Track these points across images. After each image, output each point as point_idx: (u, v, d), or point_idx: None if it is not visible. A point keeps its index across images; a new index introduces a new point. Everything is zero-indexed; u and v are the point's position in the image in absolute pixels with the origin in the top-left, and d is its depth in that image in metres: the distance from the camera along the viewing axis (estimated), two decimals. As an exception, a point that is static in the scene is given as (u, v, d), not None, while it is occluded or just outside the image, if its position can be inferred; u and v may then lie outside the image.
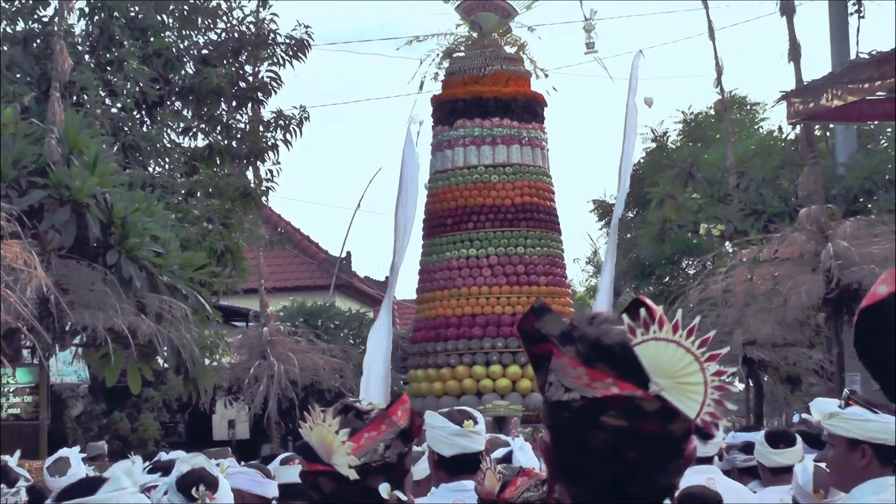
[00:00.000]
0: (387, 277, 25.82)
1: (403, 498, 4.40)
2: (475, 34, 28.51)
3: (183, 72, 27.23)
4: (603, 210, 42.63)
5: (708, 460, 9.93)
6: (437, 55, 29.02)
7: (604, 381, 2.67)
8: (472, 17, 28.49)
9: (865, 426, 7.39)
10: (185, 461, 7.46)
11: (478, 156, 28.03)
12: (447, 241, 27.94)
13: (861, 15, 28.68)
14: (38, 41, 24.47)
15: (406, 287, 38.08)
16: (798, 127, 24.38)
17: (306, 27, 28.34)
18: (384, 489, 4.29)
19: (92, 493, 5.66)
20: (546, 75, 29.41)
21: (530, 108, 28.82)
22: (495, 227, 27.50)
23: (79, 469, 10.61)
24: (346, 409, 4.43)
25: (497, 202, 27.80)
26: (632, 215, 37.47)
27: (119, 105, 26.49)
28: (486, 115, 28.17)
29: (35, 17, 25.53)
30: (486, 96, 28.13)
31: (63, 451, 10.89)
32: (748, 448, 11.47)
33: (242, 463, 10.31)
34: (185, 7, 27.07)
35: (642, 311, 2.82)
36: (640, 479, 2.75)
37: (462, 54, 28.52)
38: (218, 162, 27.42)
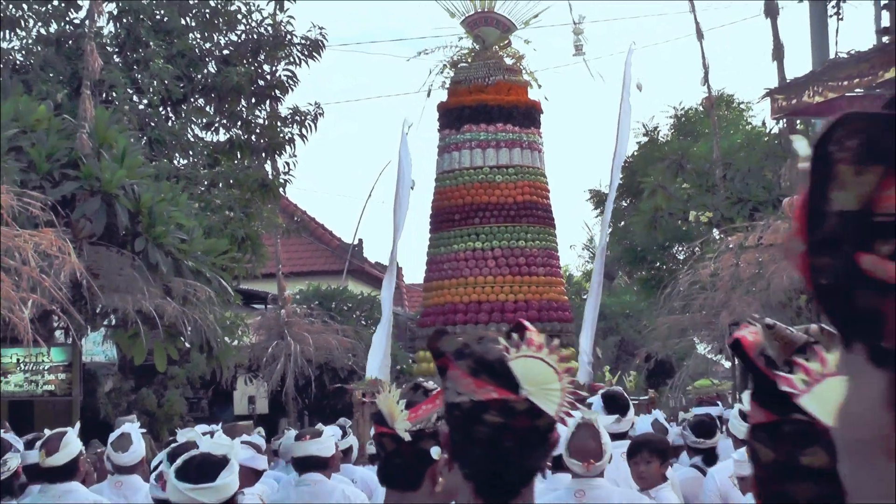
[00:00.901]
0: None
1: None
2: (478, 47, 28.81)
3: (205, 71, 27.26)
4: (598, 199, 42.66)
5: (622, 436, 10.77)
6: (444, 65, 29.29)
7: (486, 388, 3.31)
8: (475, 31, 28.86)
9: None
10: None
11: (483, 158, 28.35)
12: (455, 235, 28.18)
13: (840, 17, 28.65)
14: (70, 42, 24.48)
15: (412, 273, 38.05)
16: (782, 122, 24.35)
17: (320, 29, 28.47)
18: (435, 451, 4.65)
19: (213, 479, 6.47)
20: (540, 86, 29.82)
21: (529, 115, 29.15)
22: (499, 222, 27.81)
23: (139, 445, 10.67)
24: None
25: (501, 200, 28.14)
26: (625, 204, 37.51)
27: (146, 102, 26.51)
28: (491, 121, 28.42)
29: (67, 19, 25.56)
30: (490, 104, 28.39)
31: (125, 427, 10.89)
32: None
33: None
34: (207, 10, 27.08)
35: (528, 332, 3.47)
36: (514, 462, 3.36)
37: (466, 65, 28.74)
38: (238, 155, 27.48)
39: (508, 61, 29.10)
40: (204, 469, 6.62)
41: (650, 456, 10.17)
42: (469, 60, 29.00)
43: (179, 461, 6.79)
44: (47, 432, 10.14)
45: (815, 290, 2.47)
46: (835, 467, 2.86)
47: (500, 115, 28.45)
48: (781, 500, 3.05)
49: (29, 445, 10.20)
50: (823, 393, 2.71)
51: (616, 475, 10.78)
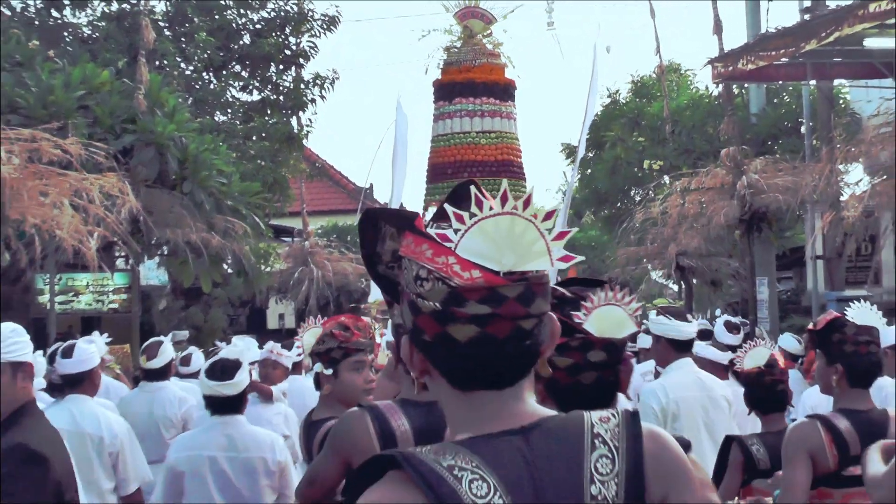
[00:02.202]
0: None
1: None
2: (466, 35, 29.39)
3: (241, 42, 27.23)
4: (569, 151, 42.54)
5: None
6: (439, 49, 29.95)
7: (472, 270, 2.51)
8: (464, 22, 29.51)
9: (659, 327, 8.79)
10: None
11: (470, 125, 29.14)
12: (447, 186, 28.70)
13: (770, -2, 28.75)
14: (128, 18, 24.39)
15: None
16: (720, 86, 24.29)
17: (336, 6, 28.47)
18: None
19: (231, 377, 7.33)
20: (514, 67, 30.70)
21: (507, 91, 29.85)
22: (483, 176, 28.44)
23: (168, 349, 10.76)
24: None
25: (484, 158, 29.01)
26: (591, 155, 37.38)
27: (191, 68, 26.49)
28: (476, 95, 29.08)
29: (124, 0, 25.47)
30: (476, 81, 29.04)
31: (158, 338, 11.03)
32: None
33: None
34: (244, -12, 27.09)
35: (473, 190, 2.59)
36: (516, 353, 2.56)
37: (456, 49, 29.29)
38: (269, 112, 27.47)
39: (490, 47, 29.75)
40: (224, 370, 7.40)
41: None
42: (459, 46, 29.52)
43: (207, 364, 7.59)
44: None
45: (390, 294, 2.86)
46: (608, 362, 3.53)
47: (484, 90, 29.18)
48: (574, 388, 3.50)
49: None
50: (593, 320, 3.49)
51: None
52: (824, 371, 6.02)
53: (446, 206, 2.59)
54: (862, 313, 5.94)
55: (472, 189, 2.64)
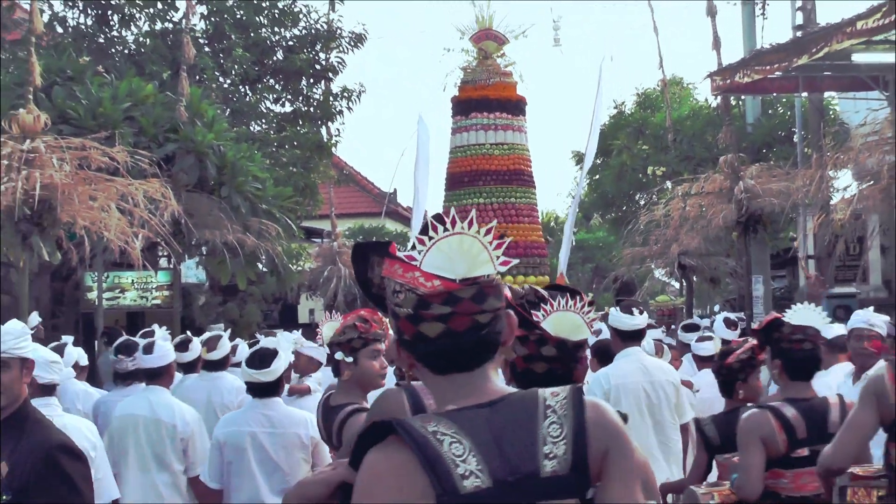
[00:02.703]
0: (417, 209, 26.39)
1: None
2: (482, 56, 29.56)
3: (275, 57, 27.28)
4: (579, 158, 42.58)
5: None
6: (456, 69, 30.21)
7: (433, 280, 3.01)
8: (479, 44, 29.56)
9: (610, 318, 9.54)
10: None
11: (485, 137, 29.12)
12: (464, 193, 28.97)
13: (764, 17, 28.67)
14: (171, 36, 24.50)
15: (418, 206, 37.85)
16: (719, 98, 24.31)
17: (363, 25, 28.74)
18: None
19: (268, 366, 7.76)
20: (525, 83, 30.90)
21: (518, 106, 29.74)
22: (496, 184, 28.78)
23: (226, 343, 11.05)
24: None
25: (497, 168, 28.94)
26: (598, 162, 37.39)
27: (228, 81, 26.56)
28: (490, 111, 29.13)
29: (168, 19, 25.57)
30: (490, 97, 29.09)
31: (218, 332, 11.23)
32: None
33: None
34: (276, 10, 27.08)
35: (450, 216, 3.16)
36: (477, 341, 3.05)
37: (472, 69, 29.57)
38: (300, 123, 27.52)
39: (503, 66, 29.75)
40: (263, 359, 7.81)
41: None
42: (474, 66, 29.58)
43: (247, 354, 7.95)
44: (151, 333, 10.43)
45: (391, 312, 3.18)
46: (558, 357, 3.97)
47: (497, 106, 29.22)
48: (527, 374, 4.04)
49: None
50: (550, 321, 4.05)
51: None
52: (769, 364, 6.52)
53: (412, 234, 3.43)
54: (801, 314, 6.40)
55: (429, 217, 3.19)
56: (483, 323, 3.04)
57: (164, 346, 9.08)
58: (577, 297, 4.11)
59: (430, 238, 3.07)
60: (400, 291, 3.07)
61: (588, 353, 7.53)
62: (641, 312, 9.51)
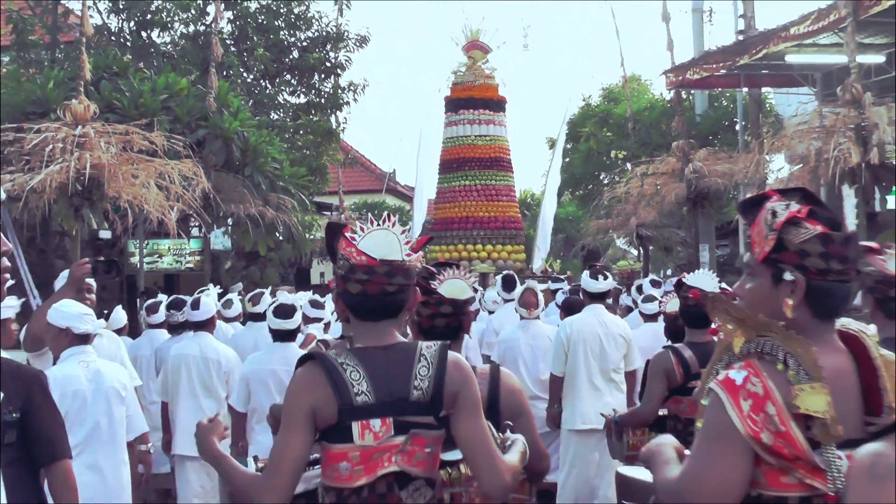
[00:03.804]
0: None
1: None
2: (471, 62, 30.37)
3: (291, 56, 27.24)
4: (552, 143, 42.67)
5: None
6: (451, 73, 31.04)
7: (361, 256, 3.74)
8: (469, 53, 30.46)
9: (582, 281, 10.25)
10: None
11: (471, 130, 29.95)
12: (454, 176, 29.83)
13: (711, 23, 28.92)
14: (202, 38, 24.43)
15: (427, 195, 37.95)
16: (672, 92, 24.30)
17: (367, 28, 28.89)
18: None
19: (290, 317, 8.40)
20: (506, 86, 31.68)
21: (499, 104, 30.54)
22: (480, 169, 29.69)
23: (268, 298, 11.18)
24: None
25: (481, 156, 29.72)
26: (568, 146, 37.50)
27: (251, 77, 26.53)
28: (476, 108, 29.94)
29: (200, 22, 25.49)
30: (476, 97, 29.94)
31: (261, 290, 11.50)
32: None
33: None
34: (292, 15, 27.01)
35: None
36: (383, 303, 3.77)
37: (462, 73, 30.41)
38: (312, 112, 27.46)
39: (487, 71, 30.56)
40: (286, 311, 8.41)
41: (534, 294, 10.88)
42: (464, 70, 30.45)
43: (273, 306, 8.53)
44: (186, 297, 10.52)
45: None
46: (454, 314, 4.68)
47: (482, 104, 30.04)
48: (431, 329, 4.63)
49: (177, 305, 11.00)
50: (444, 287, 4.64)
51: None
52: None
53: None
54: (696, 278, 6.88)
55: (371, 218, 3.96)
56: (390, 291, 3.75)
57: (207, 302, 9.77)
58: (459, 267, 4.79)
59: (361, 230, 3.82)
60: (342, 259, 3.81)
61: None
62: (606, 278, 9.89)
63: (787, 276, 2.85)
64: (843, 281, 2.84)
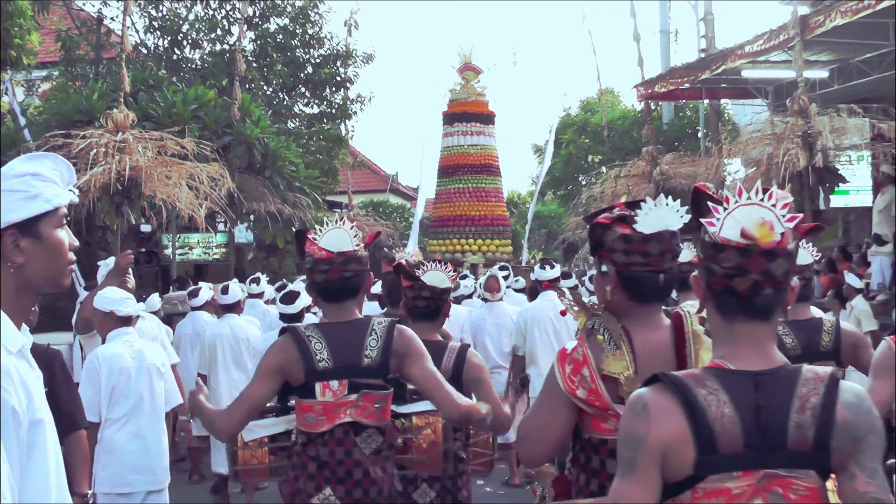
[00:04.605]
0: (416, 189, 26.56)
1: None
2: (465, 82, 30.45)
3: (306, 71, 27.28)
4: (537, 150, 42.81)
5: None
6: (448, 91, 30.99)
7: (322, 251, 4.27)
8: (463, 74, 30.45)
9: (535, 272, 10.59)
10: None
11: (465, 140, 29.98)
12: (450, 180, 29.93)
13: (677, 42, 28.93)
14: (227, 55, 24.51)
15: (427, 195, 38.09)
16: (642, 103, 24.40)
17: (373, 47, 28.91)
18: None
19: (293, 302, 8.51)
20: (496, 102, 31.91)
21: (489, 119, 30.53)
22: (471, 174, 29.71)
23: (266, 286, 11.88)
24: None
25: (473, 163, 29.76)
26: (552, 151, 37.71)
27: (271, 90, 26.58)
28: (469, 122, 30.00)
29: (225, 41, 25.56)
30: (469, 112, 30.02)
31: (286, 283, 11.62)
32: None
33: None
34: (307, 36, 27.06)
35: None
36: (342, 286, 4.28)
37: (457, 90, 30.44)
38: (324, 121, 27.52)
39: (479, 90, 30.53)
40: (290, 297, 8.60)
41: (496, 280, 11.35)
42: (458, 88, 30.46)
43: (280, 294, 8.80)
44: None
45: None
46: (433, 298, 5.17)
47: (474, 118, 30.07)
48: (413, 309, 5.05)
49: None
50: (427, 277, 5.03)
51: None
52: None
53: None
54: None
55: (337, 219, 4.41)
56: (347, 276, 4.24)
57: (235, 289, 10.19)
58: (443, 263, 5.21)
59: (324, 230, 4.31)
60: (308, 255, 4.30)
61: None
62: (553, 267, 10.50)
63: (604, 268, 3.22)
64: (653, 272, 3.16)
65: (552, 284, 10.26)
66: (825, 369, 2.48)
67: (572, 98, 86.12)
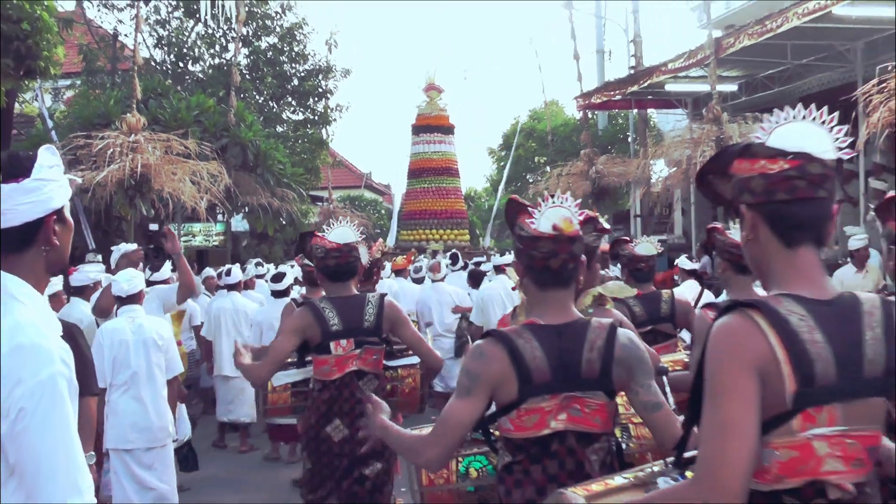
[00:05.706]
0: (389, 186, 26.48)
1: None
2: (430, 99, 30.53)
3: (293, 83, 27.15)
4: (492, 153, 42.86)
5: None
6: (416, 107, 30.94)
7: (332, 244, 4.93)
8: (427, 92, 30.58)
9: (493, 259, 11.02)
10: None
11: (430, 148, 30.08)
12: (417, 181, 30.01)
13: (610, 60, 29.02)
14: (225, 67, 24.33)
15: (399, 192, 38.12)
16: (581, 112, 24.51)
17: (351, 64, 28.89)
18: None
19: (280, 281, 8.93)
20: (454, 117, 32.33)
21: (450, 130, 30.64)
22: (434, 176, 29.84)
23: (243, 271, 11.83)
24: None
25: (436, 166, 29.92)
26: (503, 153, 37.78)
27: (262, 98, 26.44)
28: (432, 132, 30.16)
29: (223, 56, 25.41)
30: (432, 124, 30.18)
31: (283, 267, 11.47)
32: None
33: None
34: (293, 52, 26.92)
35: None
36: (345, 269, 4.97)
37: (423, 106, 30.53)
38: (308, 126, 27.41)
39: (441, 105, 30.64)
40: (278, 277, 9.10)
41: (439, 264, 11.97)
42: (424, 105, 30.56)
43: (269, 275, 9.33)
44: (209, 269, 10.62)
45: None
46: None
47: (437, 129, 30.17)
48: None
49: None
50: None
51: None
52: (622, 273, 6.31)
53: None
54: (642, 246, 6.07)
55: (345, 223, 5.10)
56: (342, 263, 4.84)
57: (235, 272, 10.68)
58: (415, 253, 5.88)
59: (333, 226, 4.94)
60: (318, 248, 4.86)
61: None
62: (504, 255, 11.18)
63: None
64: (547, 265, 2.94)
65: (506, 268, 10.44)
66: (607, 320, 2.95)
67: (522, 108, 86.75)
